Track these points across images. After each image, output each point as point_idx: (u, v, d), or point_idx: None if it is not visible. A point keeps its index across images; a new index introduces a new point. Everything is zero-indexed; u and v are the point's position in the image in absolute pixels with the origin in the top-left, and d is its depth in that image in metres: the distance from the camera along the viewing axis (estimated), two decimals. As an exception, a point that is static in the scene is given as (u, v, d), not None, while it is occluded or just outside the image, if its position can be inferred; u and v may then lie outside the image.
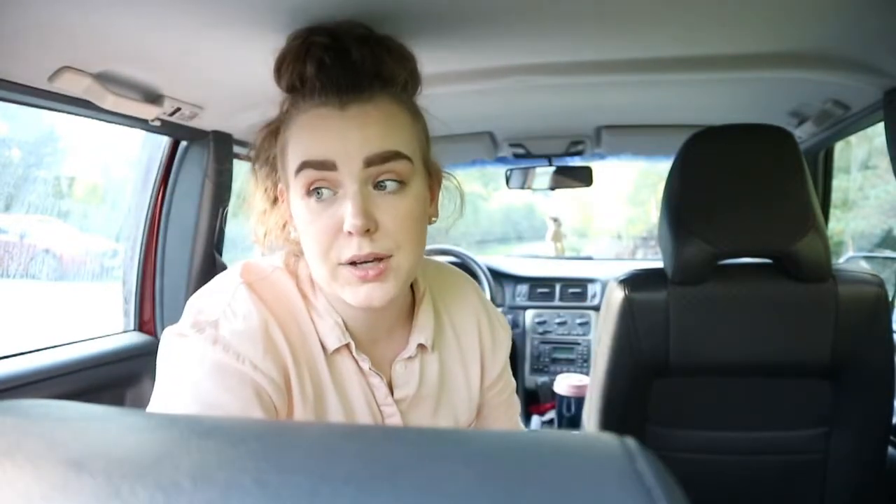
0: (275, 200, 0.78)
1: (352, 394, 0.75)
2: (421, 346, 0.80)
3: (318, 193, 0.68)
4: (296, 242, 0.76)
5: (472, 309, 0.89)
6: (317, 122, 0.69)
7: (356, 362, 0.75)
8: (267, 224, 0.79)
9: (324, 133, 0.68)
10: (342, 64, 0.71)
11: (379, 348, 0.78)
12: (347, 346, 0.74)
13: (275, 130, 0.76)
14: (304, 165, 0.67)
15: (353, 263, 0.67)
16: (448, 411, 0.84)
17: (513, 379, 0.96)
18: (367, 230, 0.65)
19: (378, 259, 0.67)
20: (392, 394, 0.77)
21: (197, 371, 0.65)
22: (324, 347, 0.74)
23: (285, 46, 0.77)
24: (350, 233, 0.65)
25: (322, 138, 0.67)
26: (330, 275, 0.69)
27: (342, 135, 0.67)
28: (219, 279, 0.73)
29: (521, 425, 1.11)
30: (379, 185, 0.68)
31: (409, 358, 0.79)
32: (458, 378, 0.85)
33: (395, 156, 0.68)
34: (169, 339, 0.69)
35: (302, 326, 0.73)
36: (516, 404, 0.97)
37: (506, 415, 0.95)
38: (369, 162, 0.66)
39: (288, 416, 0.71)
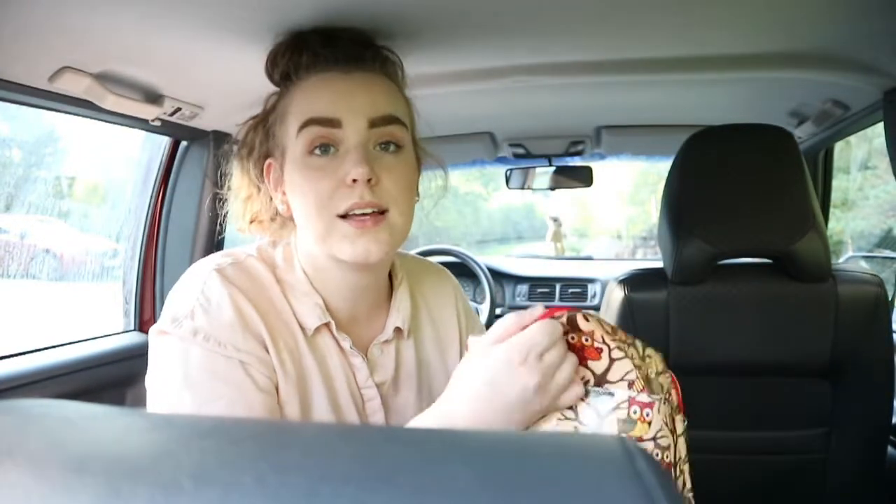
0: (257, 188, 0.80)
1: (334, 374, 0.77)
2: (397, 331, 0.82)
3: (321, 150, 0.71)
4: (283, 219, 0.79)
5: (450, 300, 0.92)
6: (321, 84, 0.73)
7: (337, 342, 0.77)
8: (252, 208, 0.81)
9: (330, 94, 0.72)
10: (340, 48, 0.76)
11: (358, 330, 0.80)
12: (328, 325, 0.76)
13: (263, 120, 0.79)
14: (309, 122, 0.71)
15: (349, 217, 0.70)
16: (428, 397, 0.85)
17: None
18: (369, 180, 0.69)
19: (375, 211, 0.70)
20: (372, 376, 0.79)
21: (185, 366, 0.67)
22: (303, 329, 0.75)
23: (277, 43, 0.81)
24: (354, 180, 0.69)
25: (328, 98, 0.71)
26: (326, 230, 0.71)
27: (348, 95, 0.71)
28: (190, 270, 0.74)
29: None
30: (378, 147, 0.72)
31: (386, 342, 0.81)
32: (436, 365, 0.87)
33: (396, 120, 0.72)
34: (153, 338, 0.70)
35: (278, 308, 0.75)
36: None
37: None
38: (372, 123, 0.71)
39: None
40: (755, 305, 1.13)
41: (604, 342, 0.66)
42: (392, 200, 0.71)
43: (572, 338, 0.67)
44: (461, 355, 0.88)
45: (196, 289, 0.71)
